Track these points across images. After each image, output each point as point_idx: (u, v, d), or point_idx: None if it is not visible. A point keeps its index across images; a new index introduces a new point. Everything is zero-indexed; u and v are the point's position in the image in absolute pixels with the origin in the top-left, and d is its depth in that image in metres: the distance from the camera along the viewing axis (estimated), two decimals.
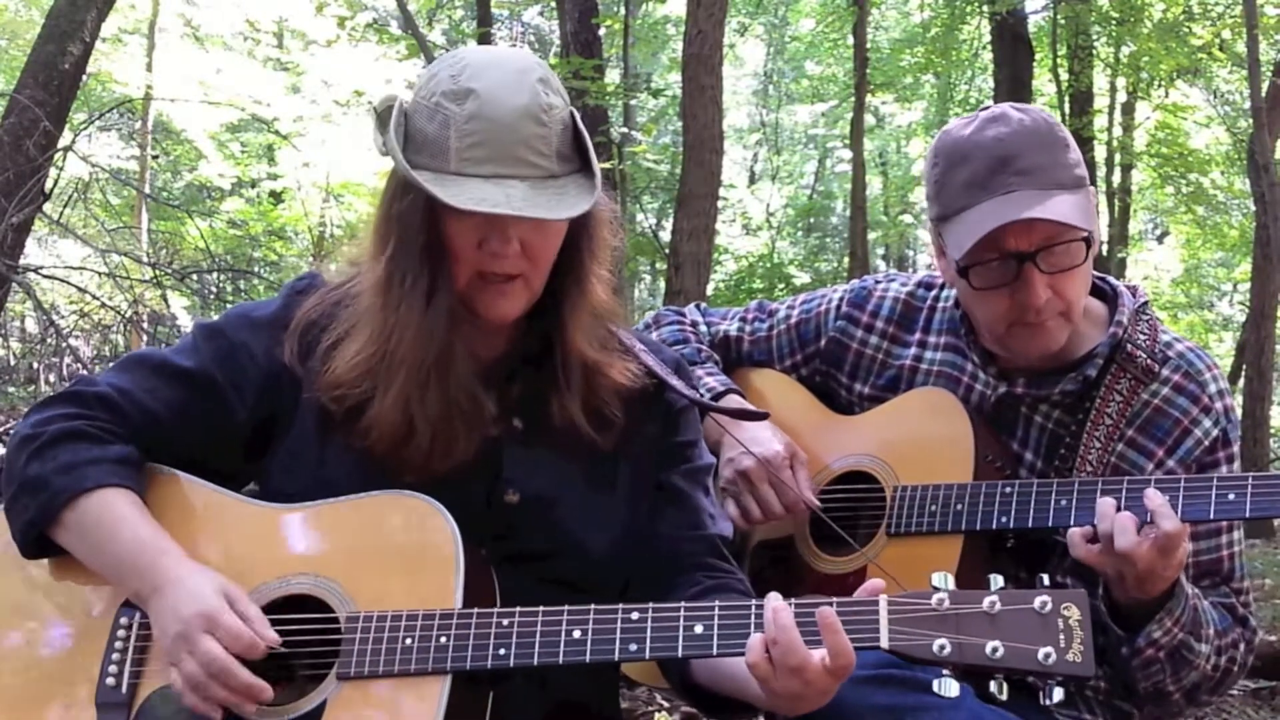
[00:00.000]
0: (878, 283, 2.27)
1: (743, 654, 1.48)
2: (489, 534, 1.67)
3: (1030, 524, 1.89)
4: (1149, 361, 1.98)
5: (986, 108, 1.98)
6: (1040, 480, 1.94)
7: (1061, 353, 1.98)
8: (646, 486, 1.83)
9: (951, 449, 1.98)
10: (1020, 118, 1.91)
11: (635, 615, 1.53)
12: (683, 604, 1.54)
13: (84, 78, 7.50)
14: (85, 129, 9.05)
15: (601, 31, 9.97)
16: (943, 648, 1.42)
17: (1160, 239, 21.18)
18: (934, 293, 2.19)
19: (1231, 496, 1.77)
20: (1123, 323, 2.00)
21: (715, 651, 1.51)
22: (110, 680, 1.63)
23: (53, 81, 6.67)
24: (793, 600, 1.48)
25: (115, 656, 1.64)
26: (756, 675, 1.47)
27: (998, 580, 1.45)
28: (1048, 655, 1.40)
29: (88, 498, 1.65)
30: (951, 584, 1.46)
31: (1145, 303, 2.07)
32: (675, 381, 1.85)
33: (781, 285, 14.76)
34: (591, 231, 1.74)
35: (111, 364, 2.11)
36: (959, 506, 1.93)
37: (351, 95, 11.97)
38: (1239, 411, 10.38)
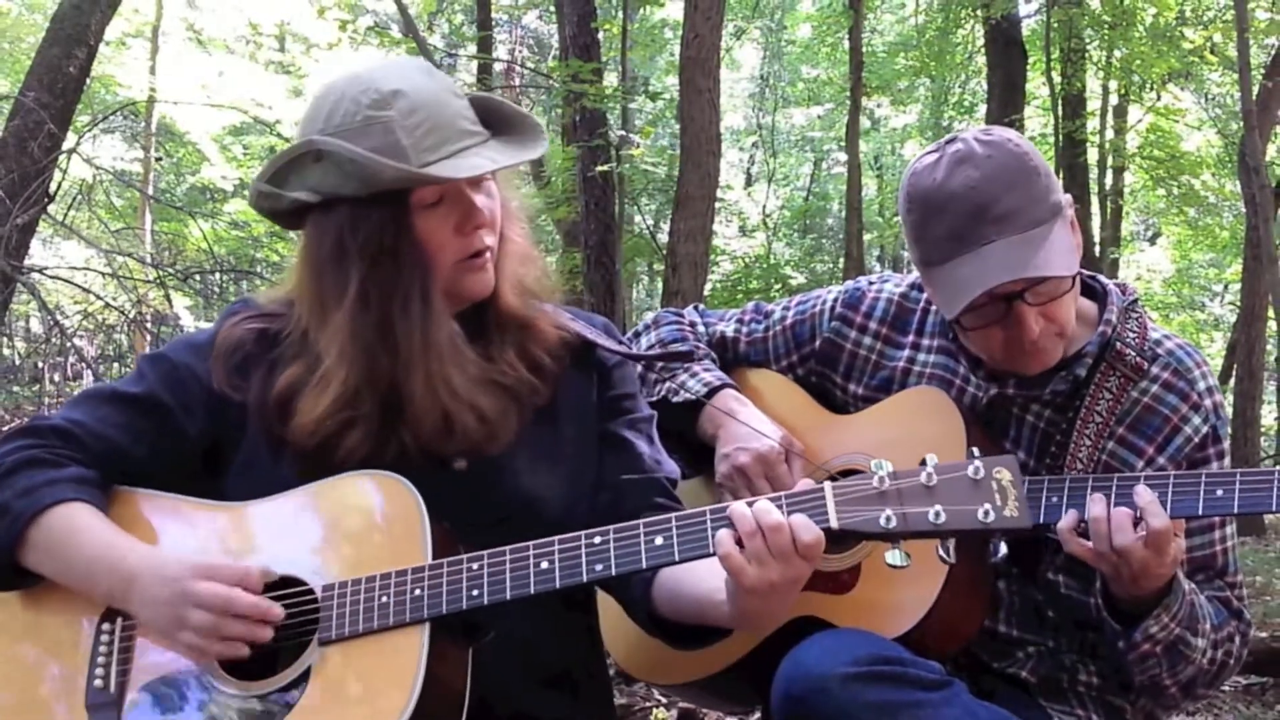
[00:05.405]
0: (871, 284, 2.25)
1: (705, 554, 1.54)
2: (445, 506, 1.66)
3: None
4: (1138, 359, 1.98)
5: (952, 139, 1.94)
6: (1031, 478, 1.92)
7: None
8: (590, 441, 1.86)
9: (945, 447, 1.95)
10: (987, 154, 1.87)
11: (598, 539, 1.58)
12: (640, 521, 1.58)
13: (88, 81, 7.54)
14: (89, 131, 9.07)
15: (600, 35, 10.00)
16: (889, 519, 1.49)
17: (1152, 240, 21.24)
18: (927, 294, 2.17)
19: (1220, 492, 1.77)
20: (1111, 320, 2.00)
21: (678, 558, 1.56)
22: (98, 682, 1.64)
23: (57, 84, 6.73)
24: (743, 500, 1.56)
25: (101, 660, 1.66)
26: (730, 567, 1.51)
27: (932, 458, 1.52)
28: (986, 513, 1.47)
29: (49, 514, 1.66)
30: (889, 467, 1.52)
31: (1135, 300, 2.05)
32: (604, 340, 1.88)
33: (778, 286, 14.76)
34: (505, 194, 1.80)
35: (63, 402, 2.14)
36: None
37: None
38: (1230, 411, 10.46)
